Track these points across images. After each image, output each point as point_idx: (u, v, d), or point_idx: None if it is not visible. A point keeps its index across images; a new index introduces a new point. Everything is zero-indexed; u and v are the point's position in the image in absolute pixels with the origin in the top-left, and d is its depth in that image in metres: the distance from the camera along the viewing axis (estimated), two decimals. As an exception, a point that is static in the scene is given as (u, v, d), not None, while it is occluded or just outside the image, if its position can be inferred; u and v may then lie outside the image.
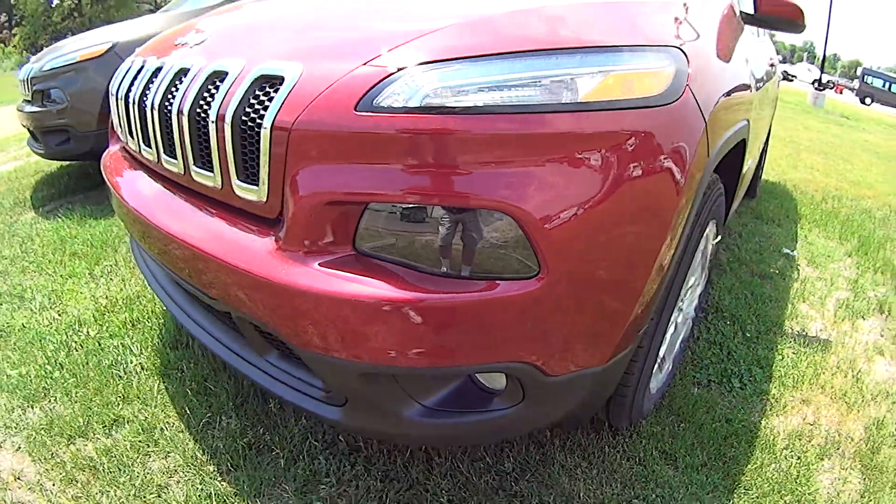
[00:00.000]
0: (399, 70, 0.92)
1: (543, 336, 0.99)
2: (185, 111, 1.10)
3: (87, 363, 1.91)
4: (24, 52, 26.62)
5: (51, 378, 1.85)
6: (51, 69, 3.59)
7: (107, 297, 2.38)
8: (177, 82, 1.18)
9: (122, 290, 2.45)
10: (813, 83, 16.75)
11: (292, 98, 0.95)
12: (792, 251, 3.27)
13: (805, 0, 2.03)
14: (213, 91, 1.07)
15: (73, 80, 3.55)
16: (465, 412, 1.06)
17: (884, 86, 31.32)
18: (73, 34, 21.53)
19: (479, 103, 0.90)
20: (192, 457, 1.49)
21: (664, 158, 1.03)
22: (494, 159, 0.91)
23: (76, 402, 1.73)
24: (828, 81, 37.91)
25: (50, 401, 1.75)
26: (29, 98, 3.74)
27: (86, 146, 3.63)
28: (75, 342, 2.05)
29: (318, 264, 0.95)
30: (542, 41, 0.99)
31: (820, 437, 1.76)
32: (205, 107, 1.09)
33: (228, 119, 1.00)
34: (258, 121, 0.98)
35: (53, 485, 1.44)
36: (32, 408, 1.73)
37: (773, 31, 2.24)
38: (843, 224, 4.05)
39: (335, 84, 0.93)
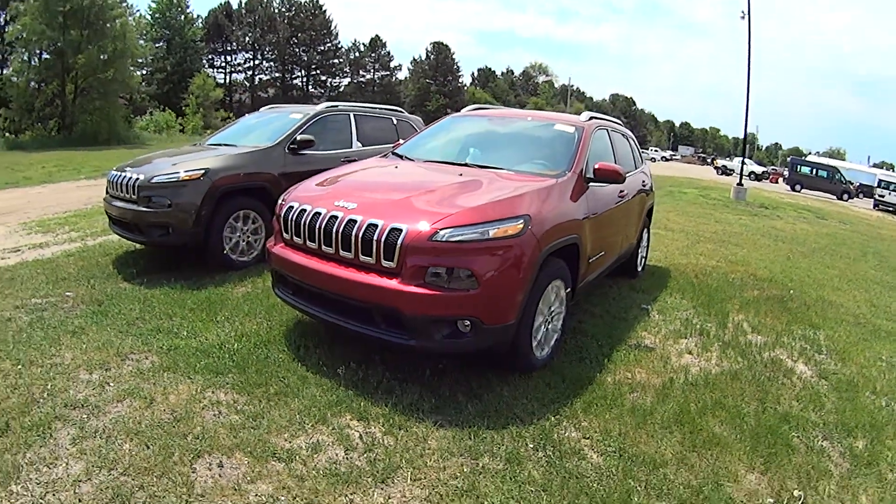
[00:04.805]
0: (440, 230, 3.03)
1: (481, 308, 3.05)
2: (360, 236, 3.15)
3: (247, 359, 3.65)
4: (8, 134, 27.97)
5: (225, 366, 3.57)
6: (158, 182, 5.37)
7: (236, 331, 4.11)
8: (351, 223, 3.21)
9: (244, 327, 4.19)
10: (750, 176, 19.55)
11: (406, 235, 3.03)
12: (647, 306, 5.33)
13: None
14: (373, 230, 3.12)
15: (177, 192, 5.34)
16: (456, 338, 3.12)
17: (811, 172, 35.49)
18: (57, 121, 22.79)
19: (461, 238, 3.03)
20: (329, 388, 3.34)
21: (519, 253, 3.16)
22: (465, 253, 3.03)
23: (251, 374, 3.48)
24: (763, 171, 42.41)
25: (232, 374, 3.47)
26: (134, 199, 5.41)
27: (183, 239, 5.43)
28: (230, 351, 3.78)
29: (414, 285, 3.00)
30: (487, 216, 3.17)
31: (632, 384, 3.73)
32: (368, 234, 3.13)
33: (382, 241, 3.08)
34: (395, 241, 3.05)
35: (259, 402, 3.19)
36: (222, 377, 3.43)
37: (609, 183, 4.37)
38: (699, 289, 6.09)
39: (420, 232, 3.03)
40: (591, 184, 4.18)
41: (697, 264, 7.59)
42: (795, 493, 2.77)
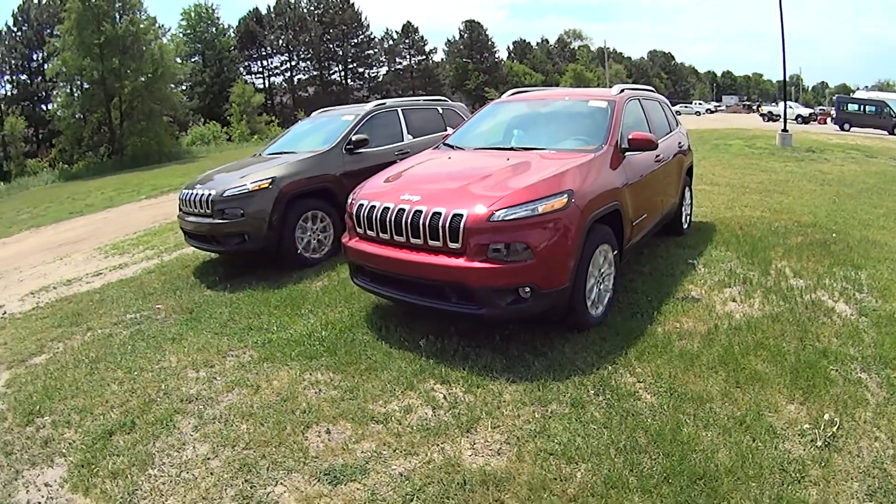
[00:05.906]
0: (495, 211, 3.48)
1: (538, 275, 3.48)
2: (427, 224, 3.62)
3: (336, 343, 4.12)
4: (62, 164, 29.51)
5: (317, 351, 4.03)
6: (230, 195, 5.86)
7: (321, 321, 4.56)
8: (418, 213, 3.67)
9: (328, 317, 4.65)
10: (797, 119, 18.56)
11: (467, 219, 3.48)
12: (693, 260, 5.61)
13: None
14: (438, 217, 3.58)
15: (249, 202, 5.82)
16: (519, 304, 3.56)
17: (859, 109, 33.76)
18: (107, 147, 24.29)
19: (514, 217, 3.47)
20: (412, 359, 3.80)
21: (566, 224, 3.57)
22: (520, 229, 3.47)
23: (341, 355, 3.95)
24: (810, 113, 40.79)
25: (325, 358, 3.94)
26: (209, 213, 5.94)
27: (258, 245, 5.92)
28: (319, 338, 4.24)
29: (479, 261, 3.46)
30: (535, 194, 3.59)
31: (680, 332, 4.06)
32: (434, 221, 3.59)
33: (447, 226, 3.54)
34: (457, 225, 3.50)
35: (353, 377, 3.67)
36: (316, 361, 3.90)
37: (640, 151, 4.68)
38: (743, 240, 6.25)
39: (479, 215, 3.49)
40: (627, 153, 4.50)
41: (742, 216, 7.67)
42: (826, 416, 3.03)
